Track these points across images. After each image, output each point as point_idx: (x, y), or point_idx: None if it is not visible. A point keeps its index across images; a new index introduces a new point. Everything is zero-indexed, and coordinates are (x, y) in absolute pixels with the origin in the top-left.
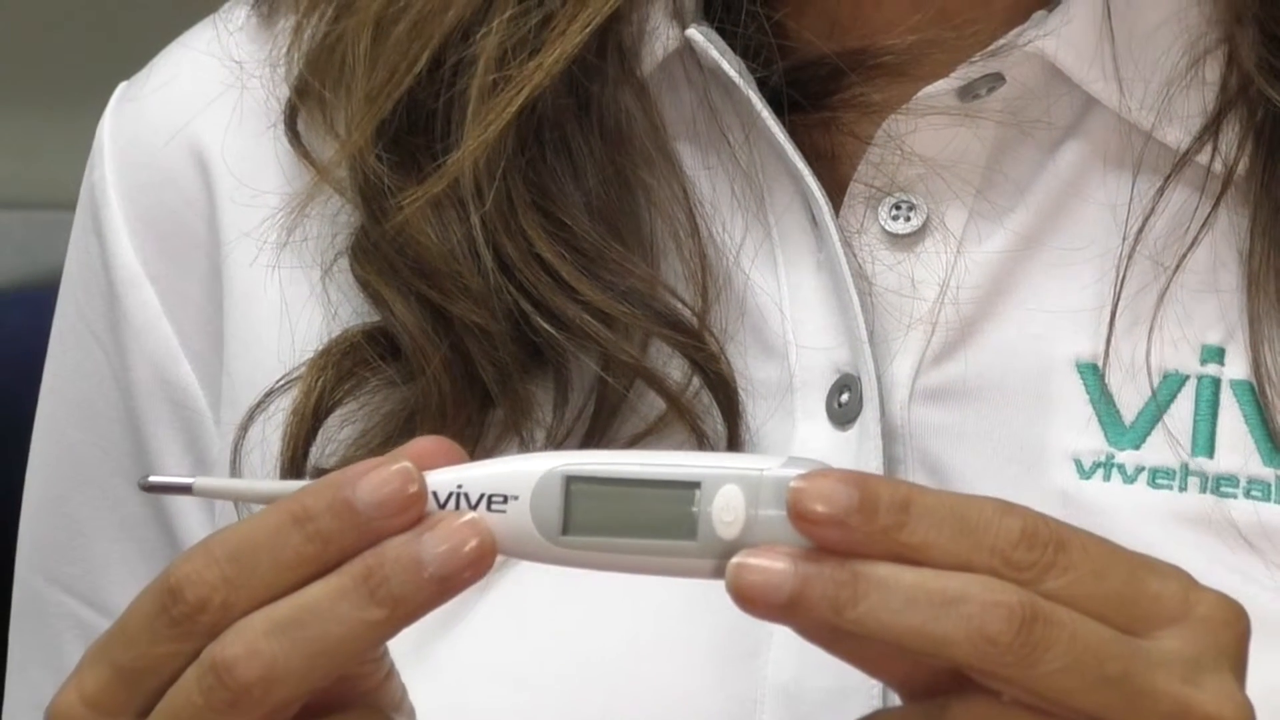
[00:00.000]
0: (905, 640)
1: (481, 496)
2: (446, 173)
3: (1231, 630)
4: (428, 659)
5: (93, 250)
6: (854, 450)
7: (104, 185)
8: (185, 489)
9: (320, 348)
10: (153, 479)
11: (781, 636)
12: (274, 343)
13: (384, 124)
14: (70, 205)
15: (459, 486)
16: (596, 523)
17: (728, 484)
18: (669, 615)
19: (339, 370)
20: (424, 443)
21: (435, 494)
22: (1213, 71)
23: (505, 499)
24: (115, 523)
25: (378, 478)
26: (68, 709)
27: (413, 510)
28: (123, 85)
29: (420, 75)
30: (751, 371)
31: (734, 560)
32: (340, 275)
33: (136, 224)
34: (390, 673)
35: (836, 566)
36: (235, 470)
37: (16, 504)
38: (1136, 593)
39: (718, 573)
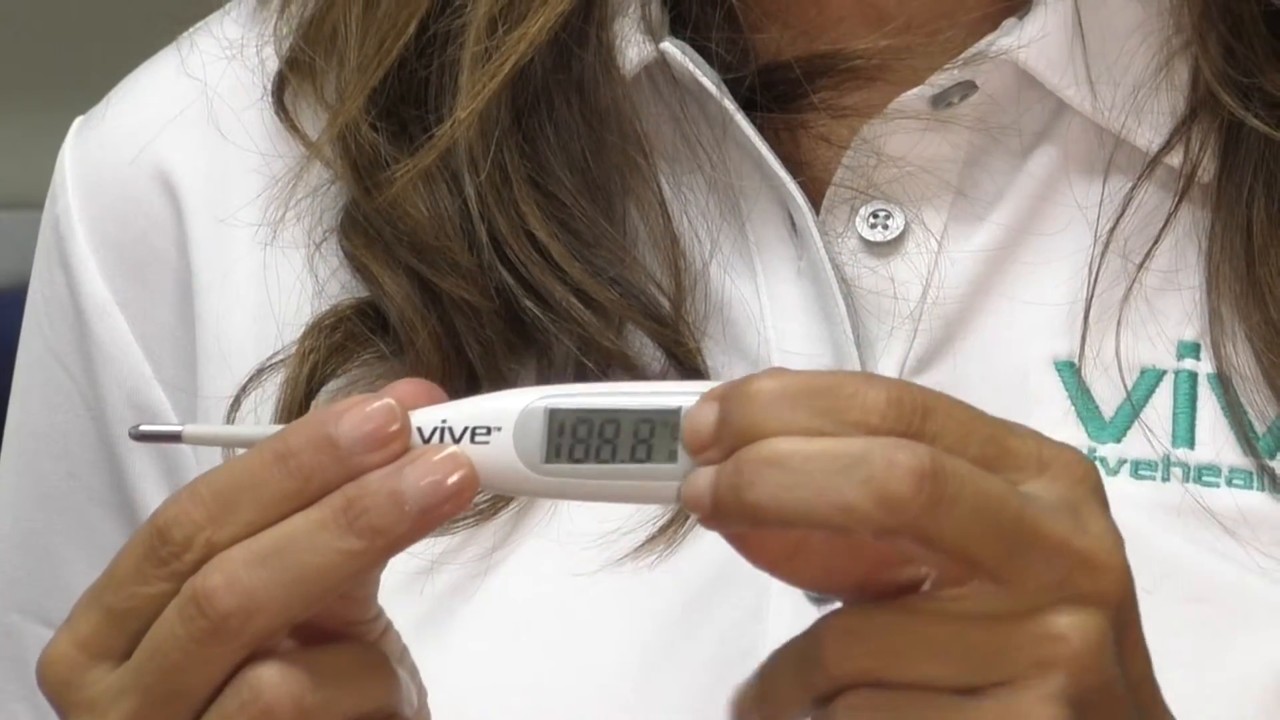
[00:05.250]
0: (809, 519)
1: (465, 430)
2: (438, 143)
3: (1089, 473)
4: (421, 669)
5: (58, 281)
6: None
7: (68, 216)
8: (175, 436)
9: (310, 322)
10: (144, 428)
11: (776, 634)
12: (256, 334)
13: (375, 93)
14: None
15: (443, 421)
16: (579, 452)
17: None
18: (665, 617)
19: (330, 343)
20: (407, 384)
21: (420, 430)
22: (1181, 74)
23: (489, 431)
24: (94, 552)
25: (360, 413)
26: (60, 654)
27: (394, 445)
28: (79, 119)
29: (409, 43)
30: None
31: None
32: (329, 254)
33: (104, 252)
34: (387, 630)
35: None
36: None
37: None
38: (1000, 451)
39: None
